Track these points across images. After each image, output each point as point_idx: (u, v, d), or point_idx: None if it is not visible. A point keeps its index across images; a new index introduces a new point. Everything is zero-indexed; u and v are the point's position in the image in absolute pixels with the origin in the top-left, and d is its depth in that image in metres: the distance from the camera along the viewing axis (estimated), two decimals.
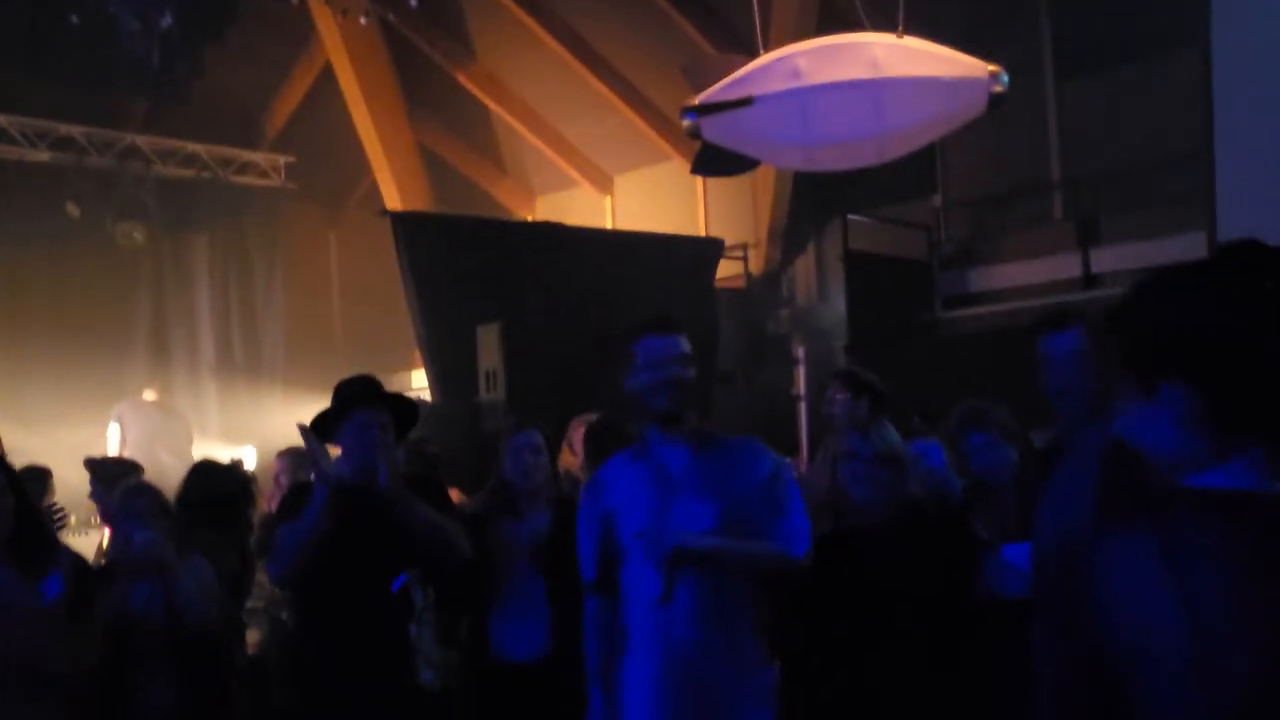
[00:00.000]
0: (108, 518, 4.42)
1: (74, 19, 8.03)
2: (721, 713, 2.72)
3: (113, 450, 8.01)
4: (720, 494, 2.75)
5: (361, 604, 3.18)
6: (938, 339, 8.42)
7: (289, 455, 5.95)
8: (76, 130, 9.50)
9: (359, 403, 3.23)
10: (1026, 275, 8.09)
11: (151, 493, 3.71)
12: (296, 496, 3.33)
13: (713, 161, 5.41)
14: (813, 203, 9.48)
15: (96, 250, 9.56)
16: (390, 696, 3.16)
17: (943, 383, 4.72)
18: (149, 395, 9.00)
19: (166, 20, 8.16)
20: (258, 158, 10.66)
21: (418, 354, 8.24)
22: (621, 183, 11.17)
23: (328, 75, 10.35)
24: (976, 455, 3.25)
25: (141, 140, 9.87)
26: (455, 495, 4.33)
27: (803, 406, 9.17)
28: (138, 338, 10.13)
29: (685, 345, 2.82)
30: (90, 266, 9.56)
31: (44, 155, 9.39)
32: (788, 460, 3.07)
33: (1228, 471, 1.36)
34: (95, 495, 4.72)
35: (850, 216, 8.45)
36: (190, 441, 8.86)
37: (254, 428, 9.74)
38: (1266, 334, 1.34)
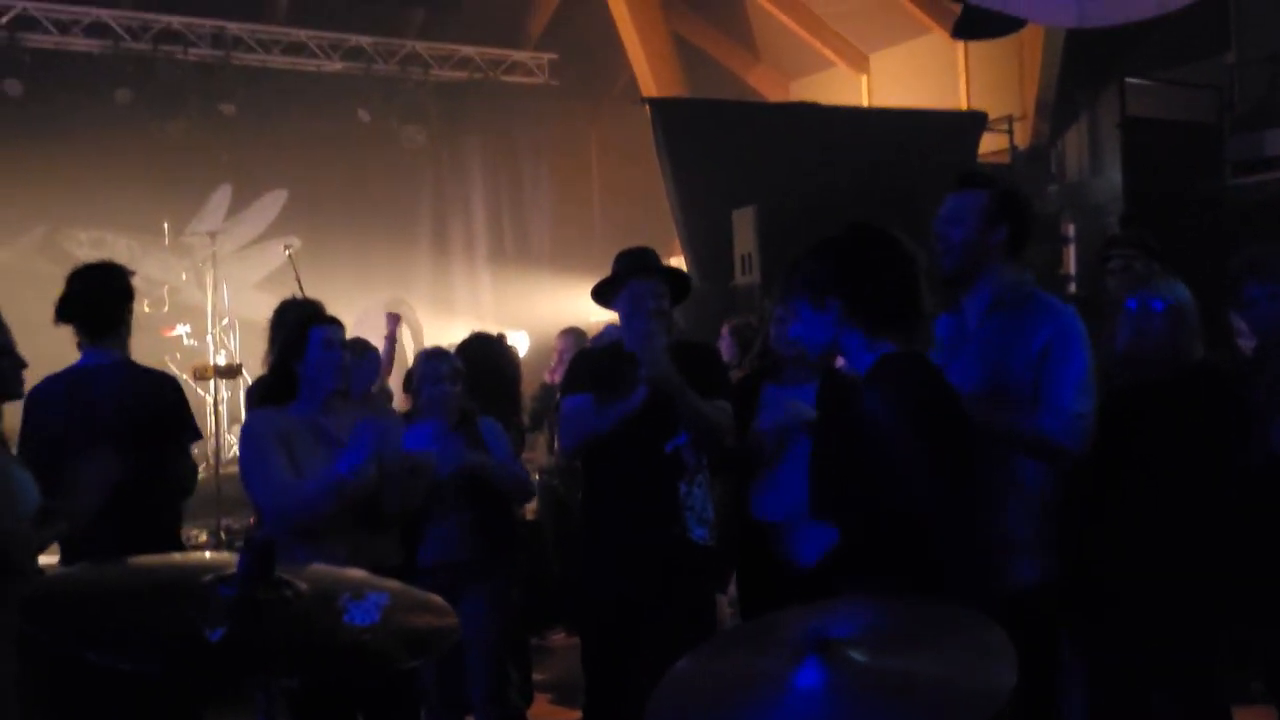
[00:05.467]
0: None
1: None
2: None
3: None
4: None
5: (637, 465, 3.34)
6: (1226, 209, 7.77)
7: (571, 334, 6.37)
8: (364, 40, 10.27)
9: (635, 273, 3.38)
10: None
11: (450, 357, 4.11)
12: (581, 369, 3.53)
13: (975, 23, 5.21)
14: (1086, 69, 8.87)
15: (384, 151, 10.41)
16: (662, 549, 3.33)
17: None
18: (392, 304, 9.45)
19: None
20: (524, 57, 11.15)
21: (676, 241, 8.48)
22: (878, 60, 10.84)
23: None
24: (1255, 308, 3.04)
25: (420, 46, 10.56)
26: None
27: (1073, 287, 8.77)
28: (421, 231, 10.99)
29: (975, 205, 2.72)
30: (379, 166, 10.43)
31: (337, 65, 10.23)
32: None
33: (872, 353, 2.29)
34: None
35: (1128, 80, 7.87)
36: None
37: (526, 313, 10.38)
38: (880, 270, 2.30)
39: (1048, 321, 2.65)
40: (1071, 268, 8.92)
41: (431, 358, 3.95)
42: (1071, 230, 8.96)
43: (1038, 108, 9.20)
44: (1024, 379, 2.63)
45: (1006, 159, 9.33)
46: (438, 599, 1.72)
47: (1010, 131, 9.33)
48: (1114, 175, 8.26)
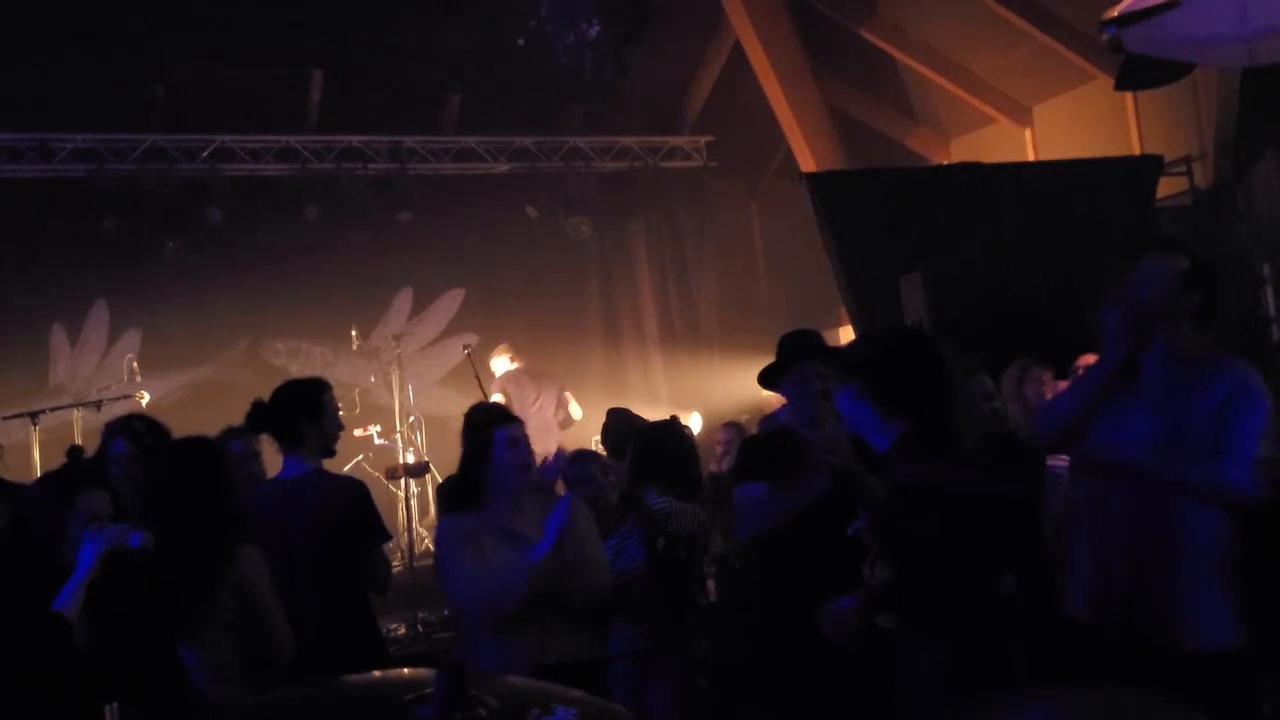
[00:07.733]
0: None
1: (520, 41, 9.13)
2: None
3: None
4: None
5: (817, 550, 3.32)
6: None
7: (732, 427, 6.41)
8: (528, 141, 10.74)
9: (800, 356, 3.45)
10: None
11: (593, 455, 4.24)
12: (752, 456, 3.59)
13: (1140, 73, 5.07)
14: (1266, 100, 8.41)
15: (552, 244, 10.79)
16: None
17: None
18: (505, 360, 9.14)
19: (595, 29, 8.99)
20: (681, 142, 11.42)
21: (844, 312, 8.40)
22: (1041, 112, 10.57)
23: (737, 55, 10.79)
24: None
25: (581, 141, 10.96)
26: None
27: (1274, 330, 8.22)
28: (592, 318, 11.27)
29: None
30: (548, 258, 10.83)
31: (504, 166, 10.73)
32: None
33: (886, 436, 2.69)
34: None
35: None
36: (562, 390, 9.11)
37: (698, 394, 10.47)
38: (893, 363, 2.71)
39: (1229, 372, 2.81)
40: (1271, 308, 8.38)
41: (576, 460, 4.08)
42: (1267, 270, 8.43)
43: (1218, 145, 8.75)
44: (1205, 427, 2.75)
45: (1189, 201, 8.90)
46: (621, 709, 1.75)
47: (1189, 173, 8.90)
48: None
